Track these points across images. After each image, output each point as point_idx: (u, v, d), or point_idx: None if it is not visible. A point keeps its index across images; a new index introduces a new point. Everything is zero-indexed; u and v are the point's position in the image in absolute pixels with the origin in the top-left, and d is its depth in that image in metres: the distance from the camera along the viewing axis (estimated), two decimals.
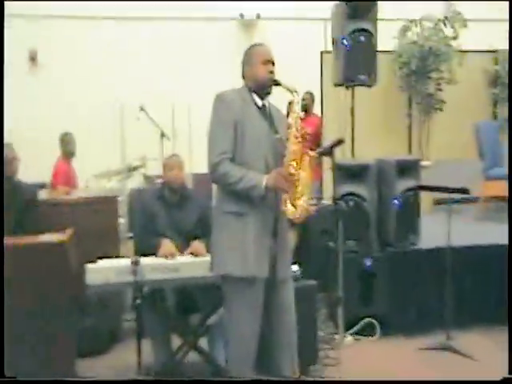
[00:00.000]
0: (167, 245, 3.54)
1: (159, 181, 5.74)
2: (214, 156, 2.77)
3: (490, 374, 3.32)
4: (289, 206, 2.75)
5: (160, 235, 3.63)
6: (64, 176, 5.89)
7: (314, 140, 6.23)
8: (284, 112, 3.08)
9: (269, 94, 2.94)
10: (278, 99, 3.02)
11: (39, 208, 4.06)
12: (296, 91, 2.83)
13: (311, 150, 2.87)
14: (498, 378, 2.94)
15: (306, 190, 2.78)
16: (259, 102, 2.92)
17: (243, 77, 2.99)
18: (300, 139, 2.78)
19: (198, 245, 3.57)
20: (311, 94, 6.71)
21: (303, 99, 6.77)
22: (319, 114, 6.72)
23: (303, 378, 3.31)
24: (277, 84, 2.87)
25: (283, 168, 2.75)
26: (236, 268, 2.78)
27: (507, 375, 3.15)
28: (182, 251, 3.57)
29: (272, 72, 2.90)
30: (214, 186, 3.02)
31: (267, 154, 2.82)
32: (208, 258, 3.22)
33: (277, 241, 2.85)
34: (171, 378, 3.44)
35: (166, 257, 3.46)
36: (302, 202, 2.76)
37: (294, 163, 2.76)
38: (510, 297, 3.80)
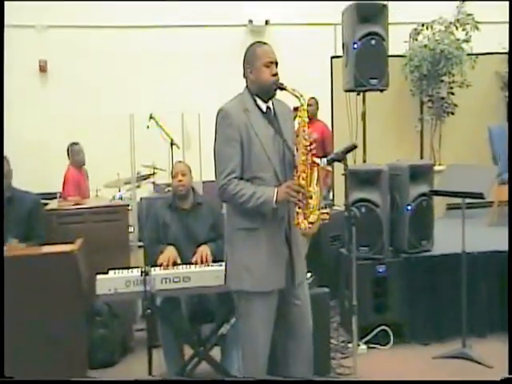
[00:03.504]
0: (168, 251, 3.47)
1: (169, 189, 5.74)
2: (222, 178, 2.70)
3: None
4: (301, 219, 2.68)
5: (172, 244, 3.57)
6: (75, 185, 5.90)
7: (319, 147, 6.20)
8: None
9: (273, 97, 2.83)
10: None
11: (44, 217, 4.01)
12: (302, 96, 2.72)
13: (318, 157, 2.80)
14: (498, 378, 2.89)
15: (318, 202, 2.71)
16: (263, 107, 2.81)
17: (245, 77, 2.85)
18: (309, 148, 2.69)
19: (203, 249, 3.50)
20: (316, 100, 6.67)
21: (308, 105, 6.70)
22: (326, 120, 6.67)
23: None
24: (282, 88, 2.75)
25: (293, 180, 2.70)
26: (252, 284, 2.74)
27: (507, 375, 3.11)
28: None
29: (276, 74, 2.77)
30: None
31: (276, 164, 2.76)
32: (219, 267, 3.19)
33: (291, 248, 2.80)
34: (172, 379, 3.40)
35: (167, 265, 3.38)
36: (314, 215, 2.70)
37: (304, 174, 2.69)
38: (509, 295, 3.80)
